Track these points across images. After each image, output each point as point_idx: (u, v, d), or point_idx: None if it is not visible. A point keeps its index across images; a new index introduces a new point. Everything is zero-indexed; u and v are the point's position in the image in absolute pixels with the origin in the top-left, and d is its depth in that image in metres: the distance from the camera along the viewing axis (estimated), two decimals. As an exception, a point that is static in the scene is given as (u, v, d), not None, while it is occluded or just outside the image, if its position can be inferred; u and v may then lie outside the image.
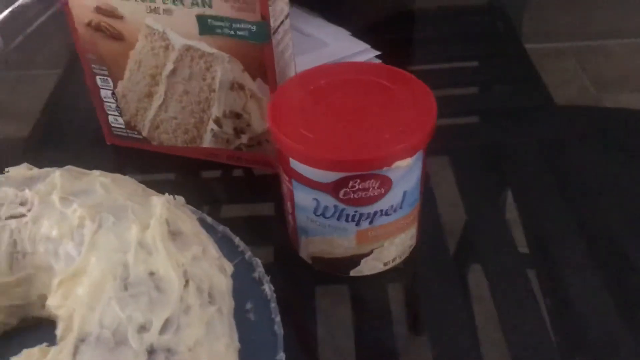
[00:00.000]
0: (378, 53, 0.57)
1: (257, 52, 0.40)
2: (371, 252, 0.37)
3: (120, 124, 0.49)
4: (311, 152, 0.33)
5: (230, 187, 0.48)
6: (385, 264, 0.39)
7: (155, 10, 0.41)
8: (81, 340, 0.28)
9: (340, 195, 0.34)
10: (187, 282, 0.30)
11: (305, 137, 0.33)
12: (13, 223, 0.33)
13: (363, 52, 0.57)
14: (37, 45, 0.64)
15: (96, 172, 0.36)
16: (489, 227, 0.42)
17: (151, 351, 0.27)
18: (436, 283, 0.39)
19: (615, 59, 0.61)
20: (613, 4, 0.66)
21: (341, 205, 0.34)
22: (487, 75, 0.59)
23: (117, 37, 0.43)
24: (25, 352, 0.29)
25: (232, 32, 0.40)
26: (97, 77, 0.46)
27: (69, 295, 0.30)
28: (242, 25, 0.39)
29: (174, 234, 0.32)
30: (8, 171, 0.36)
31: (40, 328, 0.34)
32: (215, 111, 0.45)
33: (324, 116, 0.35)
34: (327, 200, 0.34)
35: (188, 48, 0.42)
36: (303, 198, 0.36)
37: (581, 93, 0.57)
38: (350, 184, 0.33)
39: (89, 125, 0.51)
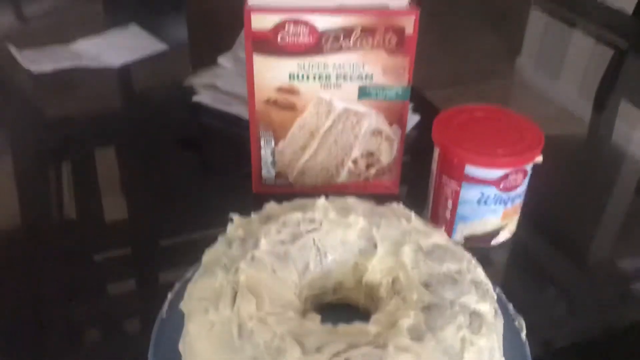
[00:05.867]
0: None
1: (398, 107, 0.59)
2: (506, 225, 0.57)
3: (271, 175, 0.63)
4: (488, 159, 0.52)
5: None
6: (511, 233, 0.58)
7: (328, 86, 0.58)
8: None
9: (501, 186, 0.53)
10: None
11: (476, 150, 0.53)
12: (314, 234, 0.47)
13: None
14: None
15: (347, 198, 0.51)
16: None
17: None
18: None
19: None
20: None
21: (499, 193, 0.54)
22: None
23: (290, 107, 0.59)
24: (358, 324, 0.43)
25: (384, 96, 0.58)
26: (262, 139, 0.61)
27: (384, 269, 0.46)
28: (392, 90, 0.58)
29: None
30: (232, 218, 0.49)
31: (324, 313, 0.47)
32: (355, 153, 0.62)
33: (477, 138, 0.54)
34: (490, 191, 0.54)
35: (346, 110, 0.59)
36: (470, 193, 0.54)
37: None
38: (509, 177, 0.53)
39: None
